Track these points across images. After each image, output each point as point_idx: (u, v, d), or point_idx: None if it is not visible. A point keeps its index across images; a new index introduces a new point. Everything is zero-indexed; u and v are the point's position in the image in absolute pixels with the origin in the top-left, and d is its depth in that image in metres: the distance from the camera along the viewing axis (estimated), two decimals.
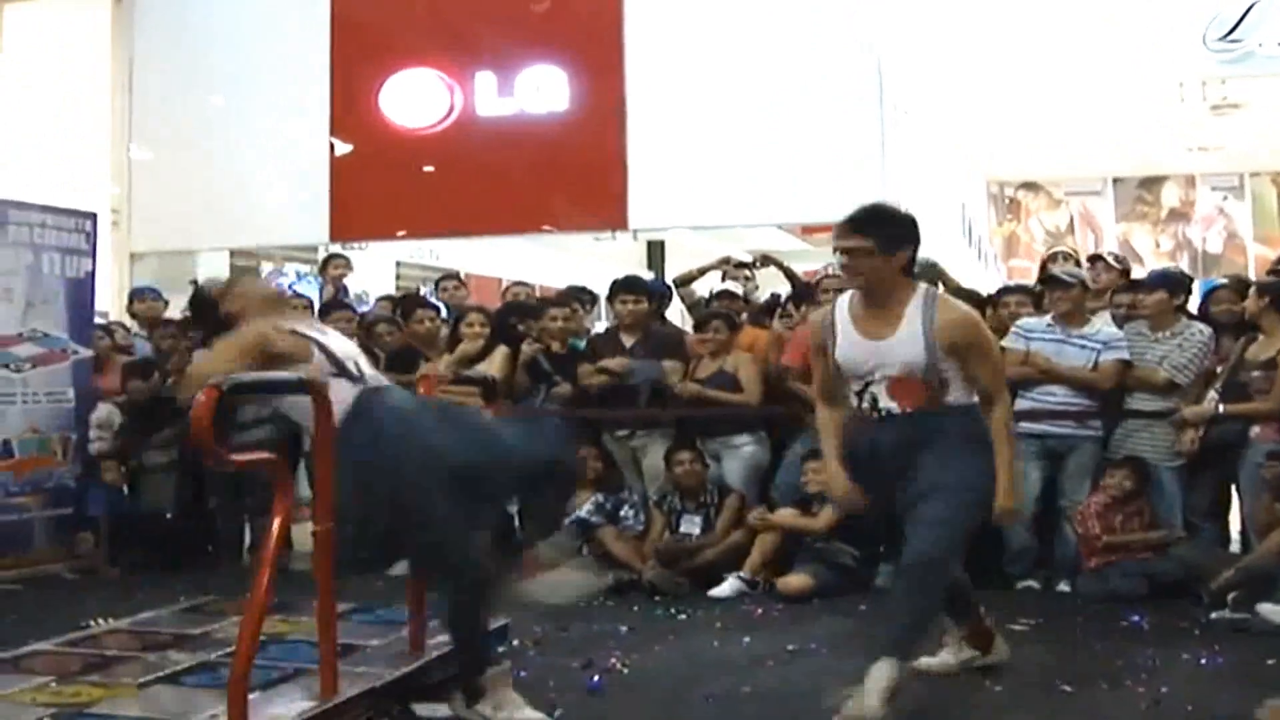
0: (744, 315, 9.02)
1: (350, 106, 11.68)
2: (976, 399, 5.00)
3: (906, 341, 4.86)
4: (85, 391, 8.85)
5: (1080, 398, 7.75)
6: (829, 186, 10.11)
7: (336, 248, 11.54)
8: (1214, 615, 6.57)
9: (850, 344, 4.98)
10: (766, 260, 9.94)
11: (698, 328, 8.77)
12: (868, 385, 4.95)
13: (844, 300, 5.09)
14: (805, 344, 7.90)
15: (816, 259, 12.85)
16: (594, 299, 10.23)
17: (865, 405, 4.97)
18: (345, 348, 5.12)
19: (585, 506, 8.18)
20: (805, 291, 8.82)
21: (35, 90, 12.64)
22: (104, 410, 9.07)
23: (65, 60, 12.53)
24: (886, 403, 4.91)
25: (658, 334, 8.74)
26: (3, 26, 12.81)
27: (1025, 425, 7.63)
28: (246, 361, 4.73)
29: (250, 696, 4.23)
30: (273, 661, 5.01)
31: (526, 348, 8.58)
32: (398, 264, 14.60)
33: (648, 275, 12.25)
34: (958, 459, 4.88)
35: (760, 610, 7.14)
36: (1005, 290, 8.86)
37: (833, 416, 5.23)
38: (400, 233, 12.25)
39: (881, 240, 4.87)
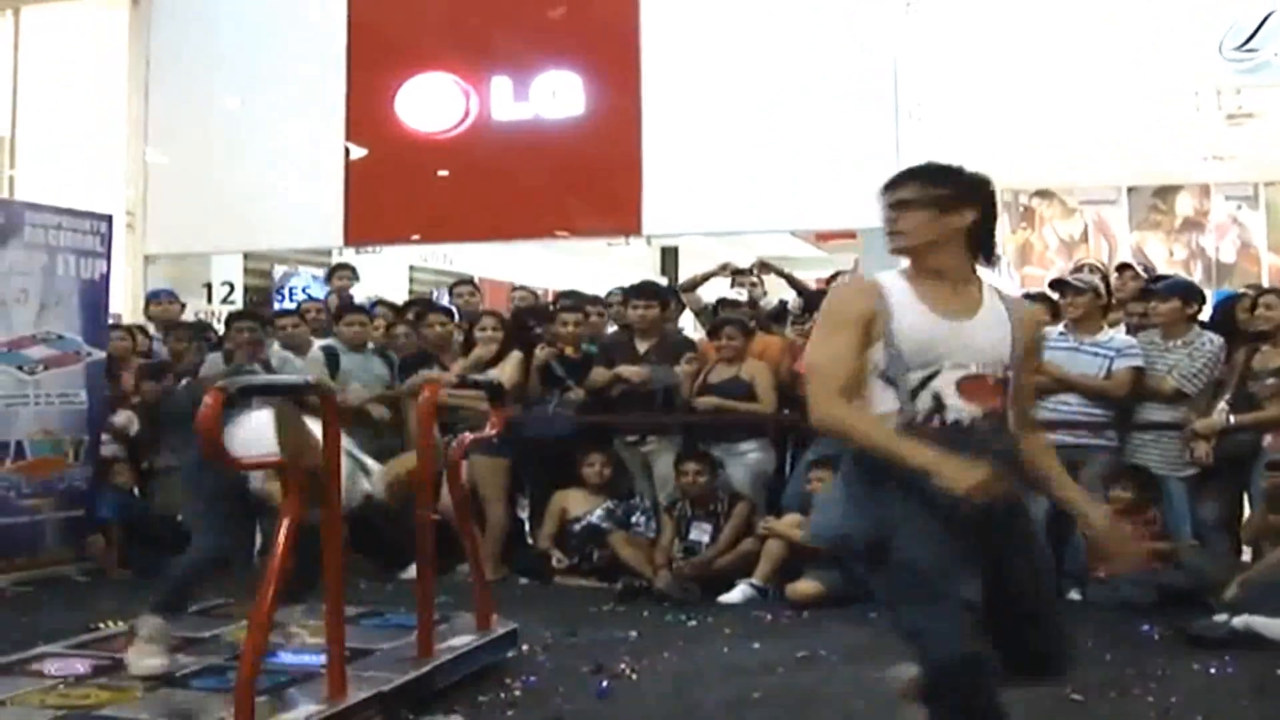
0: (753, 322, 9.00)
1: (366, 110, 11.70)
2: None
3: (994, 326, 3.70)
4: (98, 394, 8.87)
5: (1094, 407, 7.72)
6: (842, 193, 10.10)
7: (350, 252, 11.57)
8: (1198, 626, 6.47)
9: (919, 318, 3.68)
10: (765, 267, 9.94)
11: (711, 334, 8.77)
12: (928, 380, 3.65)
13: (890, 275, 3.83)
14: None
15: (830, 265, 12.85)
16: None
17: (922, 407, 3.63)
18: None
19: (596, 512, 8.20)
20: (819, 298, 8.80)
21: (52, 92, 12.68)
22: (123, 416, 9.09)
23: (82, 63, 12.58)
24: (956, 404, 3.62)
25: (671, 339, 8.74)
26: (21, 29, 12.86)
27: None
28: None
29: (258, 700, 4.25)
30: (281, 665, 5.03)
31: (540, 353, 8.59)
32: (411, 268, 14.63)
33: (661, 281, 12.24)
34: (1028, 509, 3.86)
35: (770, 616, 7.15)
36: (1026, 297, 8.83)
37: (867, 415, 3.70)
38: (414, 237, 12.26)
39: (934, 193, 3.73)
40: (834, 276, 8.92)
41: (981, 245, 3.78)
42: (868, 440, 3.62)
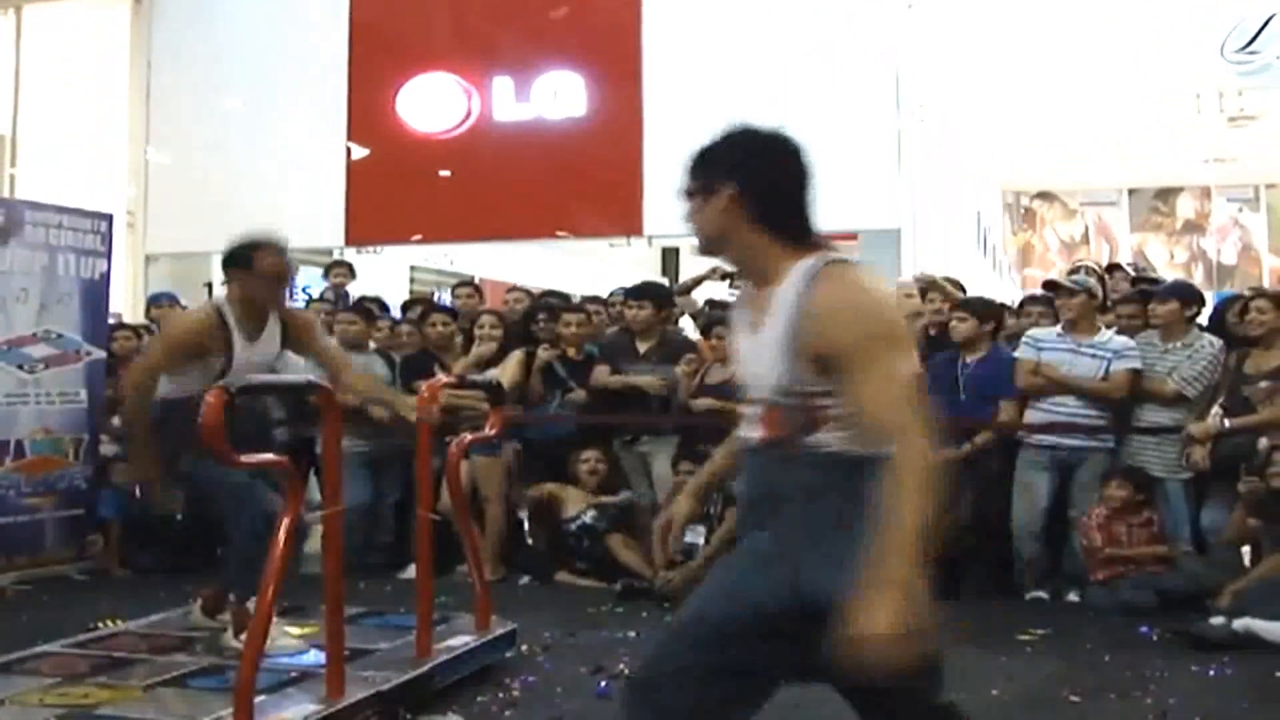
0: None
1: (368, 111, 11.73)
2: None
3: (765, 344, 2.94)
4: (98, 393, 8.87)
5: (1092, 408, 7.72)
6: (844, 195, 10.11)
7: (351, 252, 11.58)
8: (1197, 628, 6.46)
9: (736, 336, 3.16)
10: None
11: (703, 334, 8.78)
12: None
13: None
14: None
15: None
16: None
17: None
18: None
19: (589, 513, 8.18)
20: None
21: (53, 91, 12.70)
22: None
23: (83, 62, 12.60)
24: (745, 433, 3.06)
25: (671, 340, 8.74)
26: (22, 27, 12.88)
27: (1036, 437, 7.66)
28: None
29: (257, 700, 4.25)
30: (280, 664, 5.03)
31: (542, 353, 8.59)
32: (412, 268, 14.63)
33: (663, 281, 12.25)
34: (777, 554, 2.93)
35: None
36: (1029, 300, 8.86)
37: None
38: (415, 237, 12.28)
39: (696, 176, 3.14)
40: None
41: (774, 222, 3.03)
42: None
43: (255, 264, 5.70)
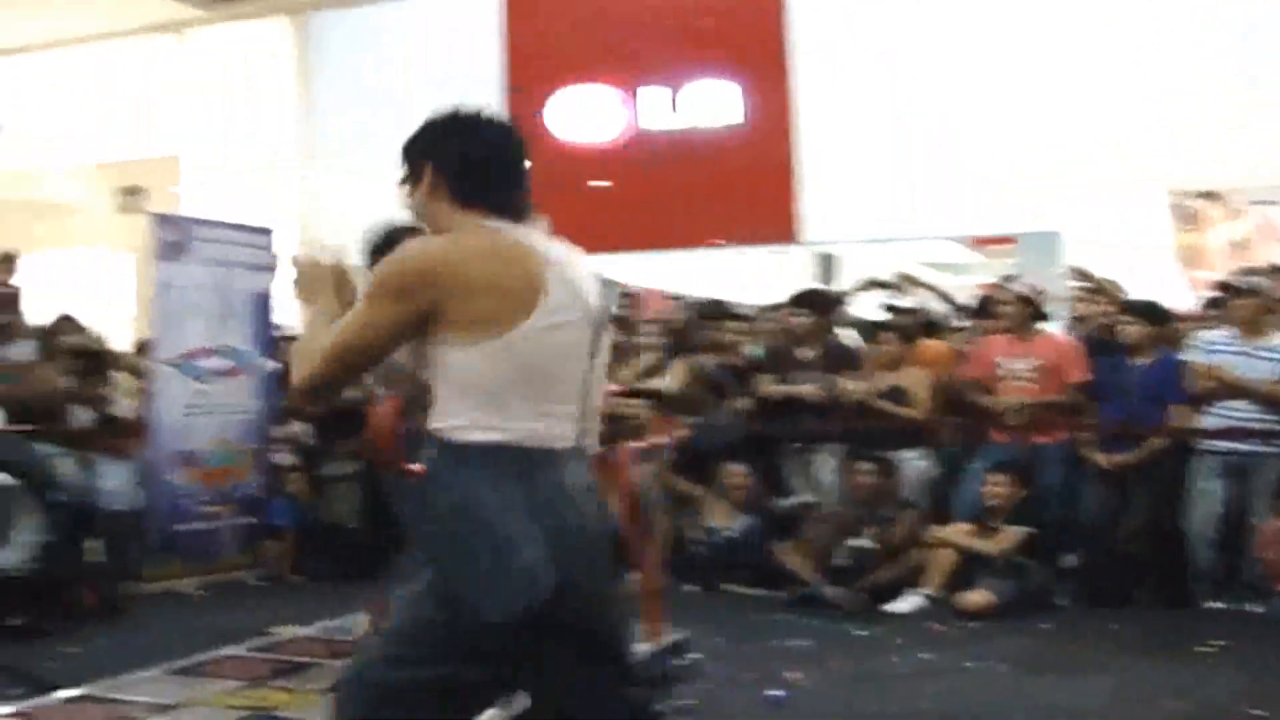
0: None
1: (520, 122, 11.77)
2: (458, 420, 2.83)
3: None
4: (269, 404, 9.05)
5: (1267, 413, 7.52)
6: (1002, 198, 10.01)
7: None
8: None
9: None
10: (908, 279, 9.83)
11: (868, 340, 8.74)
12: None
13: None
14: (987, 357, 7.87)
15: (989, 271, 12.71)
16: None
17: None
18: None
19: (736, 527, 8.13)
20: (980, 306, 8.73)
21: (219, 111, 13.01)
22: (297, 428, 9.27)
23: (248, 82, 12.88)
24: None
25: (834, 347, 8.69)
26: (190, 50, 13.22)
27: (1209, 442, 7.49)
28: None
29: None
30: None
31: (705, 361, 8.59)
32: None
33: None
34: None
35: (939, 626, 7.06)
36: (1211, 304, 8.59)
37: None
38: None
39: (404, 164, 3.24)
40: (996, 284, 8.80)
41: (468, 196, 3.04)
42: None
43: None
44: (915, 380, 8.26)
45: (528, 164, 3.20)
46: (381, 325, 2.83)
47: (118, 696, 4.87)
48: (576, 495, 2.89)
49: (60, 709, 4.74)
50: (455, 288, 2.80)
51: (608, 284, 3.21)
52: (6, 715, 4.48)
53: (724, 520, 8.25)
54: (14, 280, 10.19)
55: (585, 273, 3.07)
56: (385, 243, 5.68)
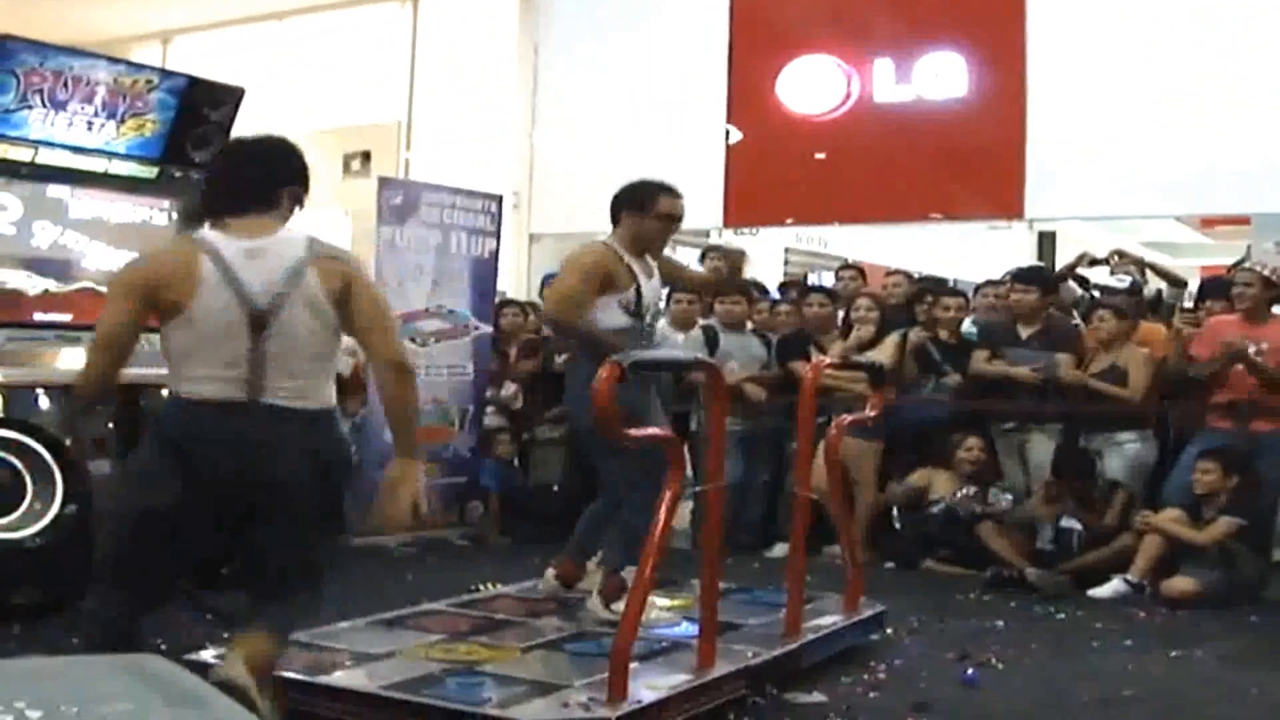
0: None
1: (747, 93, 11.78)
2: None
3: None
4: (483, 366, 9.18)
5: None
6: (1233, 177, 9.63)
7: (729, 233, 11.67)
8: None
9: None
10: (1122, 256, 9.52)
11: (1085, 319, 8.50)
12: None
13: None
14: (1215, 339, 7.58)
15: (1215, 253, 12.27)
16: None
17: None
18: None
19: (957, 494, 8.01)
20: (1215, 287, 8.42)
21: (446, 79, 13.21)
22: (509, 389, 9.39)
23: (474, 50, 13.05)
24: None
25: (1055, 326, 8.48)
26: (418, 18, 13.44)
27: None
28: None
29: (631, 666, 4.31)
30: (653, 634, 5.09)
31: (914, 335, 8.47)
32: (786, 250, 14.63)
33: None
34: None
35: (1143, 614, 6.86)
36: None
37: None
38: (789, 220, 12.28)
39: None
40: (1235, 265, 8.47)
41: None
42: None
43: (653, 206, 5.84)
44: (1134, 361, 8.01)
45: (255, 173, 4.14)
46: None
47: (322, 644, 4.97)
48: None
49: None
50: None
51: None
52: (214, 658, 4.60)
53: (945, 490, 8.13)
54: None
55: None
56: (641, 194, 5.72)
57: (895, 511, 8.55)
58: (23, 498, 6.24)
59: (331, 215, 13.06)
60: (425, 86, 13.37)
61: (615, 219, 5.89)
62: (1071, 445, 8.05)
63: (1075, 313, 9.11)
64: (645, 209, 5.83)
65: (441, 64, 13.25)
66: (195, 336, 3.92)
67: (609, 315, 5.69)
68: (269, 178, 4.11)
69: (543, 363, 9.22)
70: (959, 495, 8.01)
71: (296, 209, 4.16)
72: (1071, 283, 9.41)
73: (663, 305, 6.21)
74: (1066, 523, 7.74)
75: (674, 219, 5.93)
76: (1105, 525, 7.71)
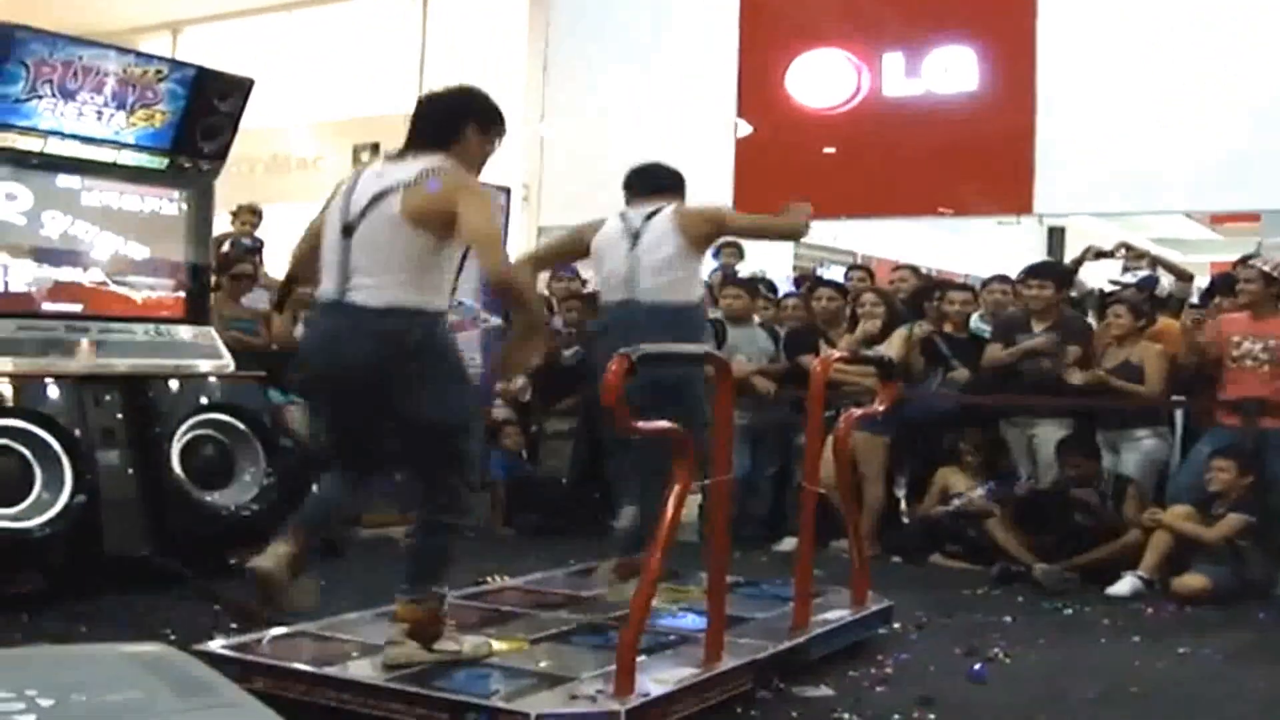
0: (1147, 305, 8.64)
1: (757, 86, 11.78)
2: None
3: None
4: (491, 358, 9.17)
5: None
6: (1243, 173, 9.62)
7: None
8: None
9: None
10: (1128, 249, 9.49)
11: (1099, 315, 8.49)
12: None
13: None
14: (1223, 334, 7.58)
15: (1226, 250, 12.25)
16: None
17: None
18: None
19: (978, 490, 8.02)
20: (1225, 283, 8.40)
21: (455, 70, 13.20)
22: (520, 381, 9.38)
23: (483, 42, 13.05)
24: None
25: (1067, 320, 8.46)
26: (428, 10, 13.44)
27: None
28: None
29: (637, 660, 4.31)
30: (660, 627, 5.09)
31: (918, 329, 8.46)
32: (795, 244, 14.59)
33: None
34: None
35: (1152, 610, 6.84)
36: None
37: None
38: None
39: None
40: (1242, 260, 8.46)
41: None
42: None
43: None
44: (1149, 357, 7.99)
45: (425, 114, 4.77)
46: None
47: (329, 634, 4.98)
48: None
49: (273, 644, 4.87)
50: None
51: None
52: (223, 647, 4.61)
53: (963, 485, 8.13)
54: (259, 233, 10.54)
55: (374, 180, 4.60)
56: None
57: (904, 506, 8.56)
58: (31, 487, 6.26)
59: None
60: (435, 77, 13.36)
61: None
62: (1081, 434, 8.03)
63: (1088, 306, 9.11)
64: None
65: (451, 55, 13.25)
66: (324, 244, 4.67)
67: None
68: (437, 120, 4.73)
69: (551, 355, 9.20)
70: (975, 495, 8.01)
71: (484, 140, 4.80)
72: (1082, 278, 9.39)
73: None
74: (1080, 519, 7.73)
75: None
76: (1114, 521, 7.69)
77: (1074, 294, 9.13)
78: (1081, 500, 7.69)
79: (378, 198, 4.51)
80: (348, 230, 4.55)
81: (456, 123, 4.70)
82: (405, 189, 4.46)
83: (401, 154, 4.64)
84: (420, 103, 4.84)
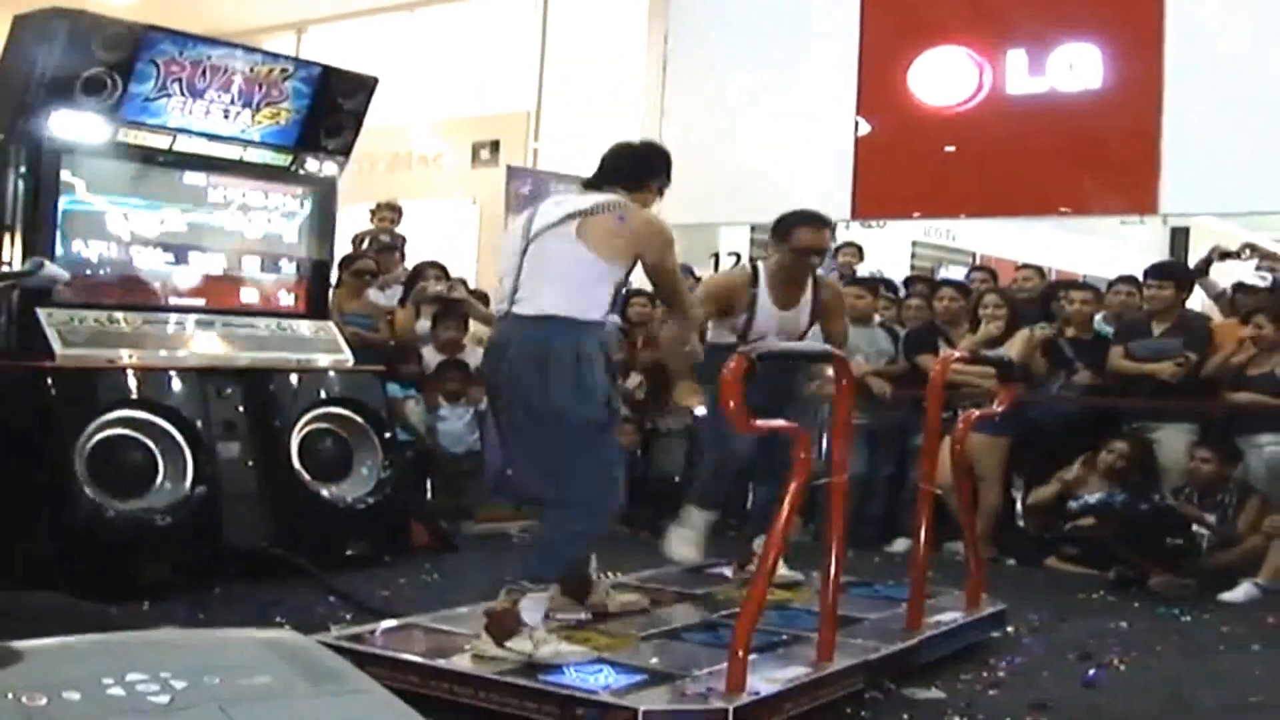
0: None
1: (878, 85, 11.68)
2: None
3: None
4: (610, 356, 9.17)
5: None
6: None
7: (856, 225, 11.59)
8: None
9: None
10: (1254, 249, 9.27)
11: (1244, 321, 8.28)
12: None
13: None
14: None
15: None
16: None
17: None
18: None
19: (1096, 495, 7.90)
20: None
21: (574, 69, 13.26)
22: (634, 380, 9.40)
23: (603, 40, 13.08)
24: None
25: (1189, 322, 8.30)
26: (549, 9, 13.50)
27: None
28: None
29: (749, 658, 4.30)
30: (771, 627, 5.07)
31: (1038, 331, 8.34)
32: (914, 244, 14.51)
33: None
34: None
35: (1273, 619, 6.69)
36: None
37: None
38: (916, 213, 12.18)
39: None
40: None
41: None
42: None
43: (790, 238, 6.10)
44: None
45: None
46: None
47: (439, 627, 5.03)
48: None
49: (383, 635, 4.93)
50: None
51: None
52: (334, 638, 4.67)
53: (1084, 489, 8.02)
54: (398, 229, 10.64)
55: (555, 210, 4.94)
56: (782, 223, 6.24)
57: (1020, 508, 8.46)
58: (155, 478, 6.39)
59: (460, 203, 13.20)
60: (554, 76, 13.42)
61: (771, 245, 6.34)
62: (1217, 433, 7.87)
63: (1217, 306, 8.94)
64: (784, 239, 6.15)
65: (571, 54, 13.30)
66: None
67: (719, 333, 6.29)
68: (629, 168, 5.15)
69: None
70: (1099, 495, 7.91)
71: (657, 198, 5.24)
72: (1214, 278, 9.21)
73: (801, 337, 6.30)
74: (1196, 527, 7.59)
75: (811, 252, 6.18)
76: (1237, 529, 7.54)
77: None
78: (1194, 517, 7.57)
79: (557, 222, 4.82)
80: (524, 250, 4.86)
81: (646, 175, 5.13)
82: (584, 215, 4.79)
83: (585, 188, 5.07)
84: (617, 148, 5.24)
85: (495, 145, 13.35)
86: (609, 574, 6.44)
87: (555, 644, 4.64)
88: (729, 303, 6.21)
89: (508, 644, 4.60)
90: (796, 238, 6.12)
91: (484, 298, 9.33)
